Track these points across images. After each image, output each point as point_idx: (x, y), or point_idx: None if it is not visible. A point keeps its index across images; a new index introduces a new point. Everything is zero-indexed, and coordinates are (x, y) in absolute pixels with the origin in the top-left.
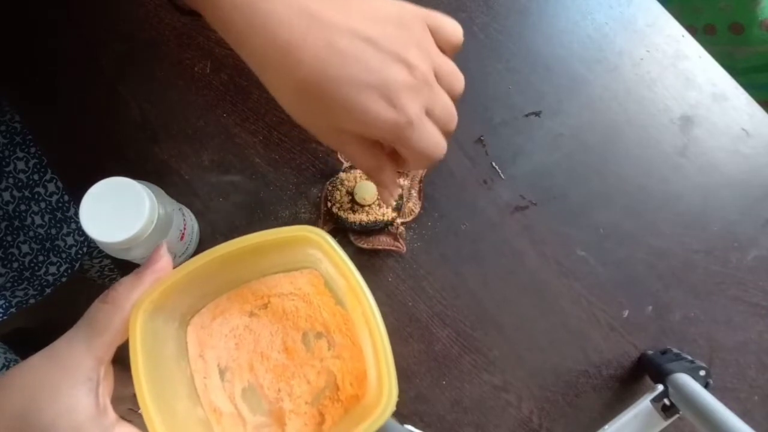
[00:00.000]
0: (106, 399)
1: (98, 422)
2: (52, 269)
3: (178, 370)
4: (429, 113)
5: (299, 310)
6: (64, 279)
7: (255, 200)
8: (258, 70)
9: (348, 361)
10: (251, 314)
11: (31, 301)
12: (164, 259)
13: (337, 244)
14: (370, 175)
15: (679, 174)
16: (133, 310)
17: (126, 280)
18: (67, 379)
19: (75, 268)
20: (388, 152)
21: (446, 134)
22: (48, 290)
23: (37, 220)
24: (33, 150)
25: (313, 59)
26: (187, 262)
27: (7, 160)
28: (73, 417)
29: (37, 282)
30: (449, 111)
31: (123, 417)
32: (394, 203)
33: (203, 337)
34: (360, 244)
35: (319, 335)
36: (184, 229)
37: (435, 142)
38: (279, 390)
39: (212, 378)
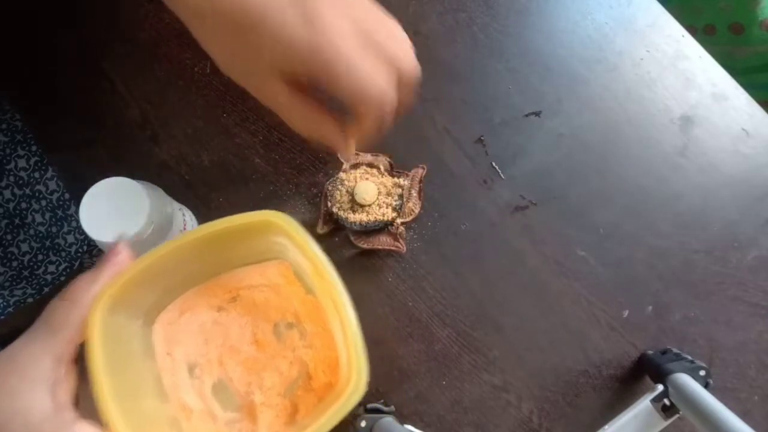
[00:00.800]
0: (65, 397)
1: (55, 421)
2: (51, 268)
3: (144, 368)
4: (366, 40)
5: (269, 301)
6: (63, 278)
7: (255, 200)
8: (190, 22)
9: (320, 349)
10: (220, 308)
11: (29, 300)
12: (124, 253)
13: (301, 227)
14: (311, 136)
15: (679, 174)
16: (92, 304)
17: (84, 276)
18: (24, 379)
19: (75, 267)
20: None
21: (401, 75)
22: (46, 289)
23: (38, 218)
24: (34, 148)
25: None
26: (147, 254)
27: (8, 158)
28: (28, 417)
29: (35, 281)
30: (391, 40)
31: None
32: (351, 160)
33: (171, 333)
34: (360, 244)
35: (290, 326)
36: (184, 229)
37: (368, 75)
38: (249, 383)
39: (181, 375)
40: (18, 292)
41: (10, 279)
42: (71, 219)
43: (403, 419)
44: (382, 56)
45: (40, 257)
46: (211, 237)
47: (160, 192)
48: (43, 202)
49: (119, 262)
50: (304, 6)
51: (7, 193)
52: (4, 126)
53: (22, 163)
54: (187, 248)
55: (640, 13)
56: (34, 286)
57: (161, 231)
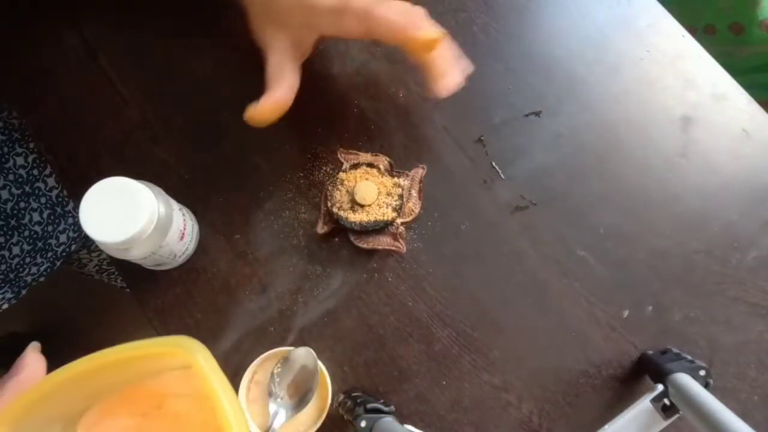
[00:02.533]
0: None
1: None
2: (34, 270)
3: None
4: None
5: (192, 414)
6: (42, 279)
7: (255, 200)
8: None
9: None
10: (144, 414)
11: (5, 305)
12: (28, 369)
13: (210, 357)
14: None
15: (679, 174)
16: None
17: None
18: None
19: (55, 268)
20: None
21: None
22: (23, 291)
23: (35, 216)
24: (32, 145)
25: None
26: (51, 374)
27: (6, 156)
28: None
29: (17, 284)
30: None
31: None
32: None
33: None
34: (360, 244)
35: None
36: (184, 229)
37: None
38: None
39: None
40: None
41: None
42: (68, 216)
43: (403, 419)
44: None
45: (27, 260)
46: (121, 360)
47: (160, 192)
48: (43, 200)
49: (24, 380)
50: None
51: (5, 193)
52: (0, 124)
53: (20, 160)
54: (92, 370)
55: (640, 13)
56: (14, 288)
57: (161, 231)
